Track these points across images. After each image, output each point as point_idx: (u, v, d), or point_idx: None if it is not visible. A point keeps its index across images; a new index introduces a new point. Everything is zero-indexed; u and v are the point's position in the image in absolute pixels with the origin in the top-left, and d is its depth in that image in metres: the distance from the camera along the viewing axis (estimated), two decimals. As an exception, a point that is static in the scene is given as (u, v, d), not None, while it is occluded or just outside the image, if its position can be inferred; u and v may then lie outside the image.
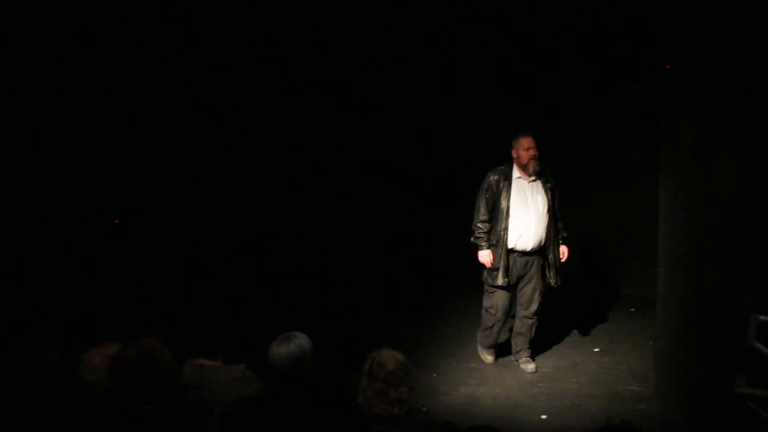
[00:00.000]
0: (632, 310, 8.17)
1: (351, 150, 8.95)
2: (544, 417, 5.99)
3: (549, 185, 6.62)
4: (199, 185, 8.19)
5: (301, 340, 3.89)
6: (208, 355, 4.28)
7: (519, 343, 6.87)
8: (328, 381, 3.95)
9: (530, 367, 6.80)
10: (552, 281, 6.66)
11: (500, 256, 6.57)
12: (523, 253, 6.58)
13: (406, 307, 8.30)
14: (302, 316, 6.87)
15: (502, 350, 7.00)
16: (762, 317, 5.11)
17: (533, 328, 6.80)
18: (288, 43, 8.39)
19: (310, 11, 8.28)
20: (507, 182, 6.55)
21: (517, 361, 6.87)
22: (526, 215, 6.52)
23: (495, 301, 6.71)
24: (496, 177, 6.59)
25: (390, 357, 3.86)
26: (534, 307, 6.71)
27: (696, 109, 5.51)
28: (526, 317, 6.78)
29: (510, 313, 6.83)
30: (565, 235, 6.75)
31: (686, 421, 5.73)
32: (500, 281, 6.60)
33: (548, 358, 7.03)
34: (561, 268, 6.73)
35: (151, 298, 7.21)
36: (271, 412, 3.67)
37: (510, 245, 6.56)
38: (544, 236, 6.56)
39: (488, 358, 6.95)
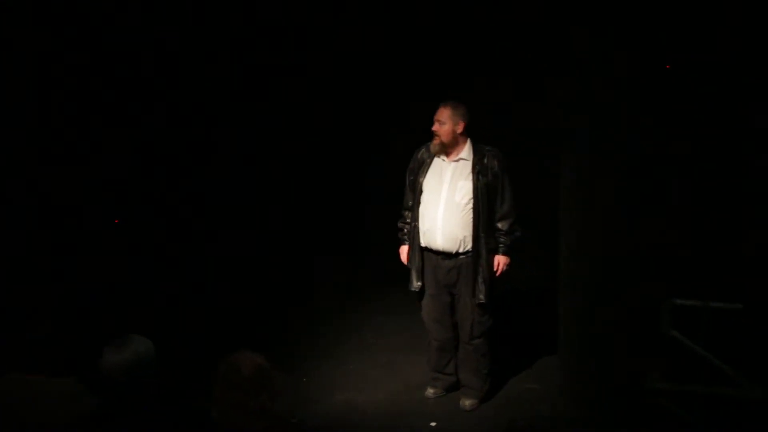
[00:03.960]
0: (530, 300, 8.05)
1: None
2: (433, 424, 5.93)
3: (480, 170, 5.79)
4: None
5: (137, 346, 3.72)
6: (28, 367, 3.97)
7: (461, 372, 6.22)
8: (174, 393, 3.90)
9: (466, 402, 6.15)
10: (482, 296, 5.83)
11: (414, 254, 6.04)
12: (441, 254, 5.90)
13: (275, 305, 8.08)
14: (151, 316, 6.78)
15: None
16: (678, 300, 5.10)
17: (478, 357, 6.06)
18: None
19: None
20: (430, 160, 5.93)
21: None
22: (434, 204, 5.85)
23: (423, 311, 6.15)
24: (421, 152, 5.99)
25: (247, 360, 3.69)
26: (468, 328, 5.99)
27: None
28: (463, 342, 6.09)
29: (451, 329, 6.16)
30: (504, 240, 5.88)
31: (594, 420, 5.74)
32: (413, 285, 6.04)
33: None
34: (492, 281, 5.89)
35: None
36: (107, 433, 3.51)
37: (421, 242, 5.96)
38: (461, 235, 5.79)
39: (429, 390, 6.35)
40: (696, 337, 5.15)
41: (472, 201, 5.79)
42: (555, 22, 6.41)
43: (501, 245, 5.90)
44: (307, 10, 8.98)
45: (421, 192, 5.93)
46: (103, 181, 7.79)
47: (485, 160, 5.82)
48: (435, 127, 5.85)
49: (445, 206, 5.82)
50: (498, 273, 5.91)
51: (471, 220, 5.80)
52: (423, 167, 5.96)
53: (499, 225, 5.88)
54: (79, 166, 7.54)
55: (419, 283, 6.04)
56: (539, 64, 7.99)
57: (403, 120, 8.41)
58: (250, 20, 8.76)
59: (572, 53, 5.87)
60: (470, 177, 5.79)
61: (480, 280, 5.84)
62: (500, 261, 5.91)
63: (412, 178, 6.01)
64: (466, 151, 5.87)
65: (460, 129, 5.82)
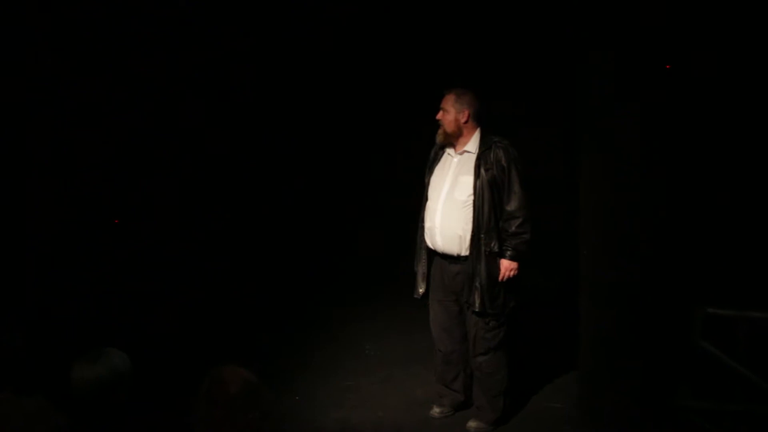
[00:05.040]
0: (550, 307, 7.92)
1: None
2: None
3: (484, 164, 5.53)
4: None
5: (113, 359, 3.67)
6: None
7: (474, 392, 5.92)
8: (154, 411, 4.09)
9: (471, 425, 5.85)
10: (476, 304, 5.53)
11: (420, 256, 5.84)
12: (447, 257, 5.66)
13: (269, 316, 8.08)
14: (128, 327, 6.77)
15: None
16: (710, 309, 5.08)
17: (484, 375, 5.76)
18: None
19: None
20: (441, 153, 5.76)
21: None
22: (435, 201, 5.67)
23: (431, 318, 5.92)
24: (436, 146, 5.81)
25: (234, 376, 3.62)
26: (476, 342, 5.70)
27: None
28: (472, 357, 5.78)
29: (460, 341, 5.91)
30: (510, 243, 5.55)
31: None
32: (418, 290, 5.82)
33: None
34: (495, 288, 5.57)
35: None
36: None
37: (427, 242, 5.75)
38: (462, 235, 5.56)
39: (434, 408, 6.08)
40: (730, 350, 5.13)
41: (473, 199, 5.55)
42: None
43: (506, 248, 5.57)
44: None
45: (427, 189, 5.75)
46: (76, 189, 7.81)
47: (491, 153, 5.56)
48: (439, 115, 5.65)
49: (445, 203, 5.61)
50: (501, 279, 5.58)
51: (471, 219, 5.55)
52: (434, 162, 5.78)
53: (505, 225, 5.56)
54: (50, 175, 7.68)
55: (422, 289, 5.82)
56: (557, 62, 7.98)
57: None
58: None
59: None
60: (471, 172, 5.57)
61: (476, 285, 5.53)
62: (504, 266, 5.57)
63: (427, 175, 5.82)
64: (472, 143, 5.63)
65: (464, 118, 5.59)
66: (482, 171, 5.51)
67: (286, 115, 9.37)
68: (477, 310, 5.53)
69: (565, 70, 6.89)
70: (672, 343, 5.32)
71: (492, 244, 5.51)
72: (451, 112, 5.60)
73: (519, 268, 5.62)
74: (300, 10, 8.84)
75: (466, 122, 5.61)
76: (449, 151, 5.70)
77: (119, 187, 8.20)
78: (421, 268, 5.80)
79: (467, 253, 5.56)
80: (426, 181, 5.80)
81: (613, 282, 5.69)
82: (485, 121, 5.74)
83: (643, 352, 5.56)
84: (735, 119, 5.64)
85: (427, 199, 5.73)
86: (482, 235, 5.50)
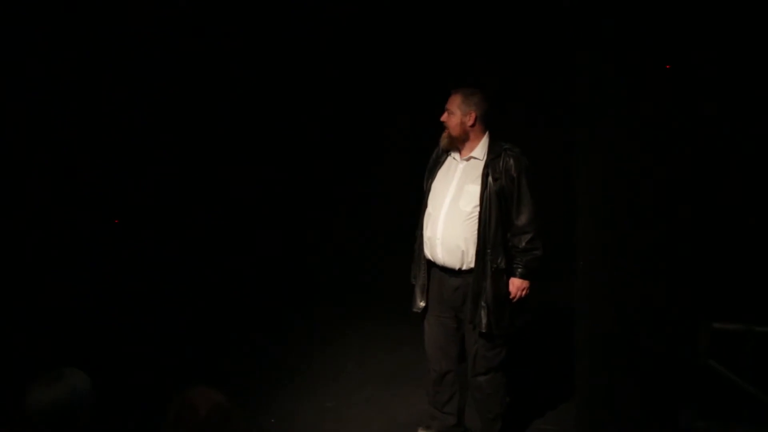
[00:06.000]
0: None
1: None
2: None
3: (492, 172, 5.36)
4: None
5: (74, 380, 3.59)
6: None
7: (468, 414, 5.84)
8: None
9: None
10: (483, 324, 5.34)
11: (419, 268, 5.65)
12: (446, 270, 5.49)
13: (244, 331, 7.98)
14: (89, 344, 6.76)
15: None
16: (716, 324, 5.00)
17: (483, 397, 5.62)
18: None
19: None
20: (445, 157, 5.56)
21: None
22: (437, 209, 5.48)
23: (425, 334, 5.73)
24: (438, 149, 5.63)
25: (204, 398, 3.57)
26: (472, 362, 5.56)
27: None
28: (472, 377, 5.61)
29: (455, 360, 5.78)
30: (520, 260, 5.40)
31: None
32: (417, 304, 5.63)
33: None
34: (503, 308, 5.40)
35: None
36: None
37: (426, 253, 5.56)
38: (464, 248, 5.39)
39: (420, 431, 5.96)
40: (738, 368, 5.08)
41: (479, 210, 5.36)
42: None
43: (516, 266, 5.40)
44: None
45: (427, 196, 5.56)
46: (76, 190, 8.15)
47: (501, 161, 5.37)
48: (443, 117, 5.45)
49: (448, 213, 5.40)
50: (513, 299, 5.42)
51: (477, 232, 5.36)
52: (436, 166, 5.57)
53: (514, 241, 5.38)
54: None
55: (423, 303, 5.61)
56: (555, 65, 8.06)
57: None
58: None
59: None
60: (478, 180, 5.37)
61: (483, 304, 5.34)
62: (515, 285, 5.41)
63: (428, 180, 5.64)
64: (479, 149, 5.43)
65: (470, 121, 5.39)
66: (490, 180, 5.32)
67: (286, 115, 9.43)
68: (484, 330, 5.34)
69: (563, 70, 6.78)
70: (676, 360, 5.26)
71: (499, 260, 5.33)
72: (456, 114, 5.41)
73: (529, 288, 5.46)
74: (300, 10, 8.99)
75: (472, 126, 5.41)
76: (454, 155, 5.50)
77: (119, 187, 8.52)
78: (420, 281, 5.60)
79: (469, 267, 5.38)
80: (426, 186, 5.60)
81: (612, 299, 5.65)
82: (494, 125, 5.59)
83: (644, 373, 5.49)
84: (735, 119, 5.66)
85: (426, 206, 5.55)
86: (488, 250, 5.32)
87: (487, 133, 5.43)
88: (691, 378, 5.15)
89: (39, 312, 7.61)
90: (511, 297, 5.36)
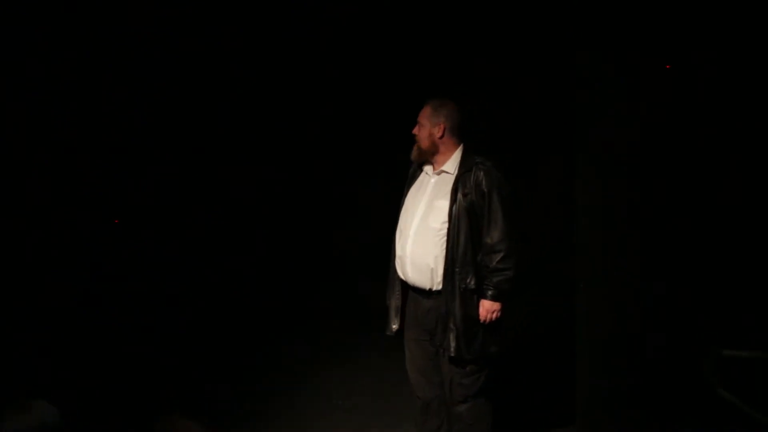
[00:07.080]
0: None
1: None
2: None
3: (462, 187, 5.20)
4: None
5: (41, 413, 3.48)
6: None
7: None
8: None
9: None
10: (451, 348, 5.17)
11: (394, 288, 5.48)
12: (418, 290, 5.31)
13: (217, 356, 7.85)
14: (58, 372, 6.72)
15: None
16: (726, 351, 4.94)
17: (469, 427, 5.40)
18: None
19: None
20: (419, 172, 5.44)
21: None
22: (407, 226, 5.33)
23: (406, 359, 5.55)
24: (415, 165, 5.50)
25: (180, 429, 3.55)
26: (453, 389, 5.35)
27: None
28: (451, 406, 5.42)
29: (438, 387, 5.56)
30: (491, 281, 5.18)
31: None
32: (389, 327, 5.47)
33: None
34: (473, 330, 5.21)
35: None
36: None
37: (399, 273, 5.40)
38: (432, 267, 5.22)
39: None
40: (750, 397, 5.09)
41: (448, 227, 5.18)
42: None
43: (486, 287, 5.19)
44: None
45: (401, 210, 5.43)
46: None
47: (472, 175, 5.21)
48: (415, 129, 5.32)
49: (417, 230, 5.24)
50: (483, 321, 5.21)
51: (445, 250, 5.19)
52: (411, 181, 5.45)
53: (485, 260, 5.17)
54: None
55: (395, 326, 5.42)
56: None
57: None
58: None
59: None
60: (447, 196, 5.21)
61: (451, 327, 5.16)
62: (485, 307, 5.20)
63: (404, 192, 5.50)
64: (451, 162, 5.28)
65: (438, 132, 5.23)
66: (459, 196, 5.15)
67: (286, 115, 9.53)
68: (452, 354, 5.15)
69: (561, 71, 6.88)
70: (683, 389, 5.26)
71: (468, 280, 5.14)
72: (426, 126, 5.27)
73: (502, 310, 5.23)
74: (300, 10, 9.10)
75: (441, 137, 5.25)
76: (427, 169, 5.35)
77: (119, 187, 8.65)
78: (394, 302, 5.42)
79: (439, 287, 5.20)
80: (401, 202, 5.48)
81: (613, 324, 5.65)
82: (469, 137, 5.43)
83: (650, 401, 5.43)
84: (735, 119, 5.78)
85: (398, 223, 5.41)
86: (457, 269, 5.13)
87: (461, 146, 5.28)
88: (700, 408, 5.22)
89: (39, 312, 7.67)
90: (481, 320, 5.17)
